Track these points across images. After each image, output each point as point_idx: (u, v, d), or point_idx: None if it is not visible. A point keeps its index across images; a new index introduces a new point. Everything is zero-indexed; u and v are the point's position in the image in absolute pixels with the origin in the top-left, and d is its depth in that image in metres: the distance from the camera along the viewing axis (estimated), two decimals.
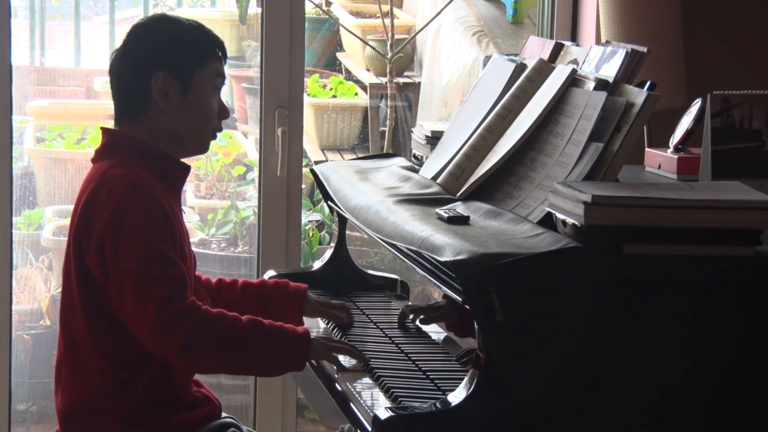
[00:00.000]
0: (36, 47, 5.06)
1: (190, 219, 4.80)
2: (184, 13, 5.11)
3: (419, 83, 5.40)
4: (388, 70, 5.13)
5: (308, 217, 4.79)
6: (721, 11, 3.93)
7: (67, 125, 4.87)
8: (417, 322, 2.91)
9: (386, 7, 5.16)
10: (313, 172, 3.14)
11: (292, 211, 3.92)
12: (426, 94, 5.31)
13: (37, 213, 4.66)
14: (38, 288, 4.56)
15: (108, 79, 2.69)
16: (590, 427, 2.20)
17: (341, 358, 2.59)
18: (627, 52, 2.49)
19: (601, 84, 2.48)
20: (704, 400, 2.25)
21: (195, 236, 4.72)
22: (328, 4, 5.77)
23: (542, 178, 2.48)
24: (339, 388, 2.51)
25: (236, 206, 4.81)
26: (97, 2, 5.37)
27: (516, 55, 2.92)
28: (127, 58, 2.64)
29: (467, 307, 2.18)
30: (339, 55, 5.80)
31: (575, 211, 2.20)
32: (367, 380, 2.51)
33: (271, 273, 3.19)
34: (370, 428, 2.25)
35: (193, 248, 2.75)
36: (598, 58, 2.57)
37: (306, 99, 4.55)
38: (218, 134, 2.72)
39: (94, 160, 2.66)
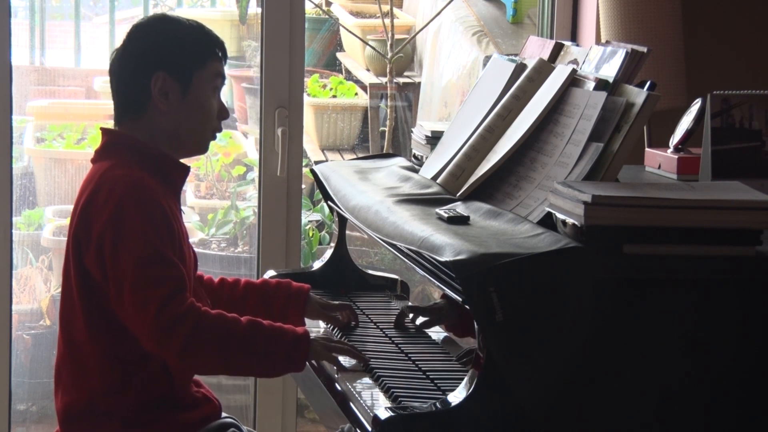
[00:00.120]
0: (36, 47, 5.06)
1: (190, 219, 4.80)
2: (184, 13, 5.11)
3: (419, 83, 5.40)
4: (388, 70, 5.13)
5: (308, 217, 4.79)
6: (721, 11, 3.93)
7: (67, 125, 4.87)
8: (416, 323, 2.91)
9: (386, 7, 5.16)
10: (313, 172, 3.14)
11: (292, 211, 3.92)
12: (426, 94, 5.31)
13: (37, 213, 4.66)
14: (38, 288, 4.56)
15: (108, 79, 2.69)
16: (590, 427, 2.20)
17: (341, 358, 2.59)
18: (627, 52, 2.49)
19: (601, 84, 2.48)
20: (704, 400, 2.24)
21: (195, 236, 4.72)
22: (328, 4, 5.77)
23: (542, 178, 2.48)
24: (339, 388, 2.51)
25: (236, 206, 4.81)
26: (97, 2, 5.37)
27: (516, 55, 2.92)
28: (127, 58, 2.64)
29: (467, 307, 2.18)
30: (339, 55, 5.80)
31: (575, 211, 2.20)
32: (367, 380, 2.51)
33: (271, 273, 3.19)
34: (370, 428, 2.25)
35: (194, 248, 2.75)
36: (598, 58, 2.57)
37: (306, 99, 4.55)
38: (218, 134, 2.72)
39: (93, 161, 2.66)
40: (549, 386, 2.16)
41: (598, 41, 3.77)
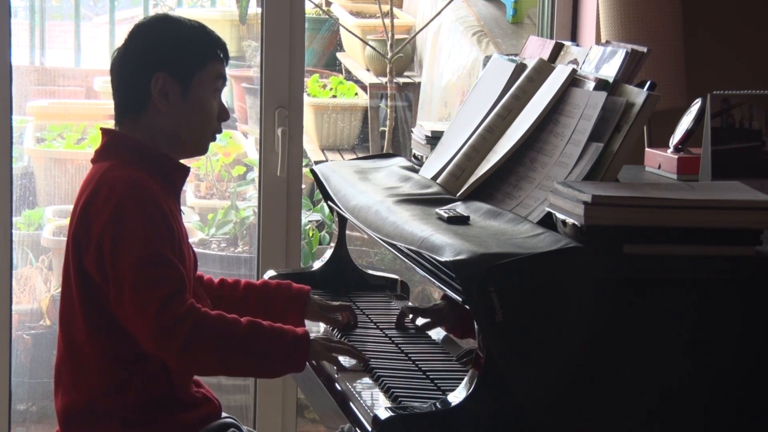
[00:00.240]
0: (36, 47, 5.06)
1: (190, 219, 4.80)
2: (184, 12, 5.11)
3: (419, 83, 5.40)
4: (388, 70, 5.13)
5: (308, 217, 4.79)
6: (721, 11, 3.93)
7: (67, 125, 4.87)
8: (417, 324, 2.91)
9: (386, 7, 5.16)
10: (313, 172, 3.14)
11: (292, 211, 3.92)
12: (426, 94, 5.31)
13: (37, 213, 4.66)
14: (38, 288, 4.56)
15: (108, 78, 2.68)
16: (590, 427, 2.20)
17: (341, 358, 2.59)
18: (627, 52, 2.49)
19: (601, 84, 2.48)
20: (704, 400, 2.24)
21: (195, 236, 4.72)
22: (328, 4, 5.77)
23: (542, 178, 2.48)
24: (339, 388, 2.51)
25: (236, 206, 4.81)
26: (97, 2, 5.37)
27: (516, 55, 2.92)
28: (128, 57, 2.64)
29: (467, 307, 2.18)
30: (339, 55, 5.80)
31: (575, 211, 2.20)
32: (367, 380, 2.51)
33: (271, 273, 3.19)
34: (370, 428, 2.25)
35: (194, 248, 2.75)
36: (598, 58, 2.57)
37: (306, 99, 4.55)
38: (218, 135, 2.72)
39: (93, 161, 2.66)
40: (549, 386, 2.16)
41: (598, 41, 3.77)
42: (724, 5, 3.93)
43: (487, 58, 3.02)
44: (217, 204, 4.94)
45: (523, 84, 2.68)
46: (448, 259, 2.16)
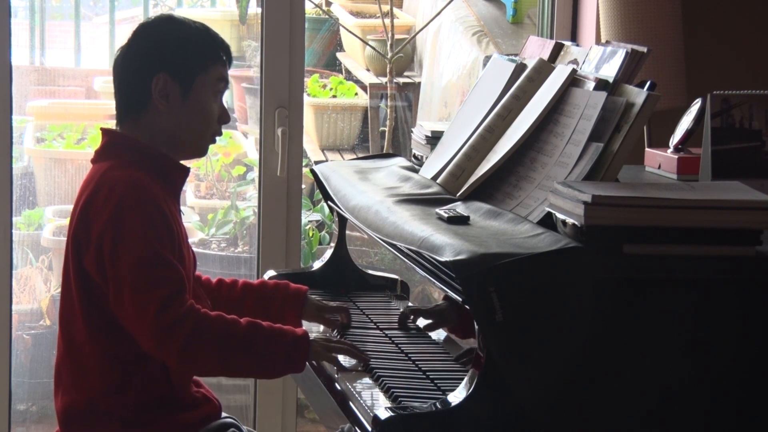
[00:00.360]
0: (36, 47, 5.06)
1: (190, 219, 4.80)
2: (184, 12, 5.11)
3: (419, 83, 5.40)
4: (388, 70, 5.13)
5: (308, 217, 4.79)
6: (721, 11, 3.93)
7: (67, 125, 4.87)
8: (419, 325, 2.91)
9: (386, 7, 5.16)
10: (313, 172, 3.14)
11: (292, 211, 3.92)
12: (426, 94, 5.31)
13: (37, 213, 4.66)
14: (38, 288, 4.56)
15: (109, 78, 2.68)
16: (590, 427, 2.20)
17: (341, 358, 2.59)
18: (627, 52, 2.49)
19: (601, 84, 2.48)
20: (704, 400, 2.24)
21: (195, 236, 4.72)
22: (328, 4, 5.77)
23: (542, 178, 2.48)
24: (339, 388, 2.51)
25: (236, 206, 4.81)
26: (97, 2, 5.37)
27: (516, 55, 2.92)
28: (131, 57, 2.63)
29: (467, 307, 2.18)
30: (339, 55, 5.80)
31: (575, 211, 2.20)
32: (367, 380, 2.51)
33: (271, 273, 3.19)
34: (370, 428, 2.24)
35: (194, 248, 2.75)
36: (598, 58, 2.57)
37: (306, 99, 4.55)
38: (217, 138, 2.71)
39: (93, 161, 2.66)
40: (549, 386, 2.15)
41: (598, 41, 3.77)
42: (724, 5, 3.93)
43: (487, 58, 3.02)
44: (217, 204, 4.94)
45: (523, 84, 2.68)
46: (448, 259, 2.16)
